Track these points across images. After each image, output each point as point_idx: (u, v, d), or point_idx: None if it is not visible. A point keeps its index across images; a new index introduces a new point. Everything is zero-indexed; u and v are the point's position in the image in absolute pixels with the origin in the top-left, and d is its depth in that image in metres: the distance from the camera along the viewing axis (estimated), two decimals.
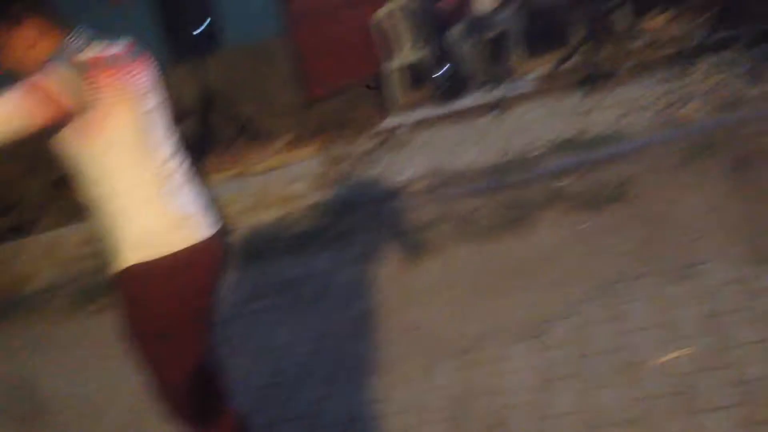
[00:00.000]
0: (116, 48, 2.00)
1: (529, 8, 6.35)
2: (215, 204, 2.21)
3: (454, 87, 6.30)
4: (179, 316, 2.05)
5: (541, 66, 6.32)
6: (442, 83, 6.39)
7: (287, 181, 5.67)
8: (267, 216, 5.14)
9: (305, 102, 7.45)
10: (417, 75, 6.85)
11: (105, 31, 2.06)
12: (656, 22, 6.48)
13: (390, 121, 6.40)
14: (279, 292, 4.06)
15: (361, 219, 4.62)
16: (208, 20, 6.80)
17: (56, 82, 1.82)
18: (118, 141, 1.95)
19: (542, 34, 6.50)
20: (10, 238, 6.17)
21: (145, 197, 1.99)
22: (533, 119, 5.41)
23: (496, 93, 6.04)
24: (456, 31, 6.30)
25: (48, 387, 3.68)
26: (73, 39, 1.96)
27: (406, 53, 6.82)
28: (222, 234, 2.17)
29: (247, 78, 7.41)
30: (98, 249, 5.23)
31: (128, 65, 1.99)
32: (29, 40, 1.95)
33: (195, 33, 6.73)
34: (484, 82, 6.29)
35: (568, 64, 6.06)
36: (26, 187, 6.99)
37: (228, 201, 5.33)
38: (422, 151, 5.52)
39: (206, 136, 7.04)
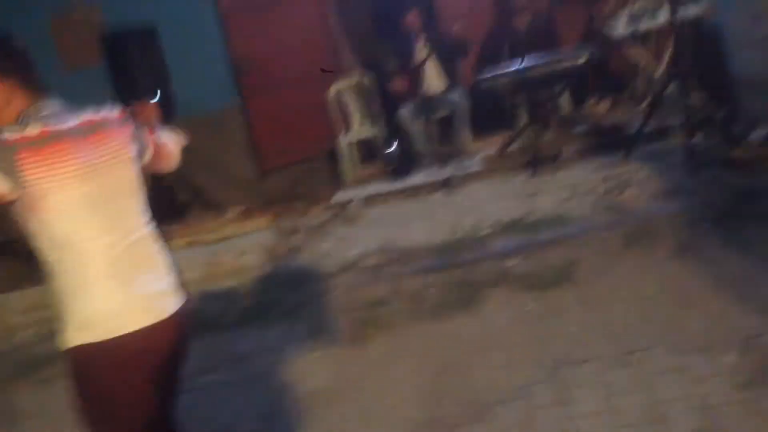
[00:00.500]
0: (71, 121, 1.94)
1: (476, 91, 6.59)
2: (180, 276, 2.14)
3: (405, 164, 6.47)
4: (128, 398, 2.00)
5: (488, 147, 6.55)
6: (393, 160, 6.56)
7: (238, 251, 5.68)
8: (217, 286, 5.12)
9: (258, 173, 7.52)
10: (369, 151, 7.02)
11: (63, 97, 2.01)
12: (598, 108, 6.82)
13: (341, 196, 6.50)
14: (228, 366, 4.02)
15: (312, 293, 4.65)
16: (158, 92, 6.84)
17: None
18: (63, 218, 1.88)
19: (489, 117, 6.75)
20: None
21: (96, 274, 1.92)
22: (481, 199, 5.56)
23: (445, 171, 6.20)
24: (406, 110, 6.49)
25: None
26: (32, 110, 1.91)
27: (358, 129, 7.00)
28: (185, 308, 2.10)
29: (201, 147, 7.34)
30: (43, 316, 5.15)
31: (75, 140, 1.91)
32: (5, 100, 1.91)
33: (154, 97, 6.74)
34: (433, 160, 6.46)
35: (514, 147, 6.29)
36: None
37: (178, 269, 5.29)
38: (373, 226, 5.61)
39: (157, 204, 7.01)
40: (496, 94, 6.53)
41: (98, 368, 1.95)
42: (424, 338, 3.76)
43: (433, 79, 6.65)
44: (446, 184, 6.03)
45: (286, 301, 4.64)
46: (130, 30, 6.71)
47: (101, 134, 1.99)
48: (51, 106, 1.96)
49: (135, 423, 2.05)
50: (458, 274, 4.34)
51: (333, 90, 7.00)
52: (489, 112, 6.73)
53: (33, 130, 1.86)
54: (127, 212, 2.03)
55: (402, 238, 5.09)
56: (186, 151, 2.42)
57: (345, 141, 6.97)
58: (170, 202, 7.04)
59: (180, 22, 7.08)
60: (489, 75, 6.24)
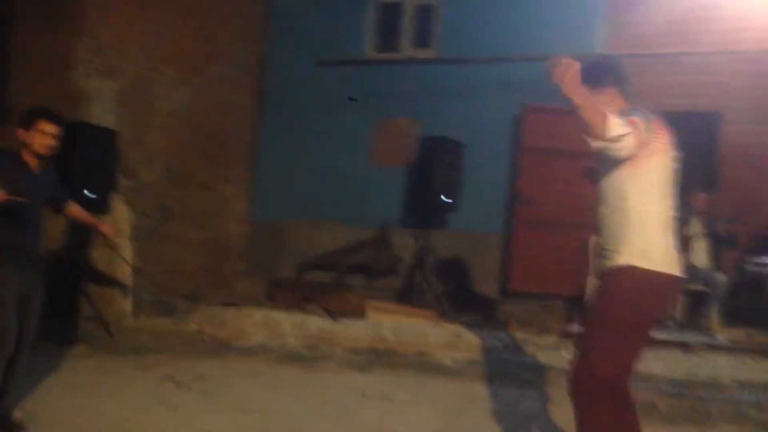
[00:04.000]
0: (656, 118, 2.86)
1: (740, 276, 6.75)
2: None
3: None
4: (644, 320, 2.78)
5: (736, 335, 6.57)
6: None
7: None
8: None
9: (500, 293, 8.15)
10: None
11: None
12: None
13: (575, 327, 6.84)
14: None
15: None
16: (450, 201, 7.86)
17: (641, 123, 2.71)
18: (652, 176, 2.80)
19: (747, 306, 6.82)
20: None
21: (657, 224, 2.80)
22: (722, 365, 5.65)
23: (686, 336, 6.35)
24: None
25: None
26: (634, 109, 2.83)
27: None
28: (682, 278, 2.86)
29: (459, 257, 8.33)
30: (305, 333, 6.05)
31: (664, 131, 2.85)
32: (607, 99, 2.89)
33: (438, 206, 7.77)
34: (675, 323, 6.65)
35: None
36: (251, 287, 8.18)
37: None
38: None
39: (410, 290, 7.89)
40: (760, 283, 6.63)
41: (643, 289, 2.75)
42: None
43: (698, 254, 6.94)
44: (686, 346, 6.18)
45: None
46: (439, 141, 7.86)
47: (668, 133, 2.95)
48: (637, 111, 2.85)
49: (636, 346, 2.80)
50: (689, 402, 4.52)
51: (594, 239, 7.52)
52: (748, 301, 6.81)
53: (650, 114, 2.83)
54: (671, 193, 2.90)
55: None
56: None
57: (589, 285, 7.38)
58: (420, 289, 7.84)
59: (481, 146, 8.15)
60: (758, 262, 6.42)
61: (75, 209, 4.26)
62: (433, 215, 8.20)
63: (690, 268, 6.82)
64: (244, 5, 9.08)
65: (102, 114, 7.11)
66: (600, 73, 2.96)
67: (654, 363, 5.59)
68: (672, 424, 4.18)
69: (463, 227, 8.36)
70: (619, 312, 2.75)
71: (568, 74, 2.64)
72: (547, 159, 8.02)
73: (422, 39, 9.12)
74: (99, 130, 6.66)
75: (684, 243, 6.94)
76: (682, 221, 6.99)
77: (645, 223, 2.78)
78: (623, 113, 2.74)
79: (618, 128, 2.64)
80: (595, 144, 2.67)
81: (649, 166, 2.79)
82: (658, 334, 6.44)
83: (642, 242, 2.76)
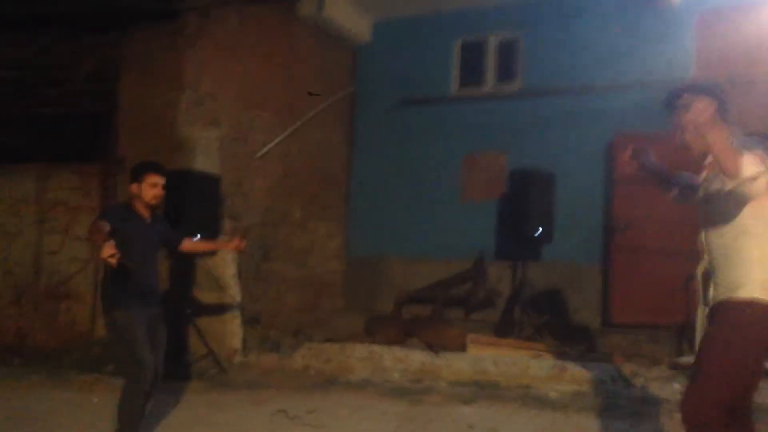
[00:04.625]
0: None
1: None
2: None
3: None
4: (763, 352, 2.77)
5: None
6: None
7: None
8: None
9: (602, 324, 8.02)
10: None
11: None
12: None
13: (686, 359, 6.66)
14: None
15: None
16: (540, 230, 7.84)
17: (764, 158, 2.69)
18: None
19: None
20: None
21: None
22: None
23: None
24: None
25: None
26: (746, 139, 2.80)
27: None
28: None
29: (557, 288, 8.26)
30: (408, 368, 6.12)
31: None
32: (706, 115, 2.71)
33: (531, 237, 7.76)
34: None
35: None
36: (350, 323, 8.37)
37: None
38: None
39: (508, 322, 7.87)
40: None
41: (766, 322, 2.73)
42: None
43: None
44: None
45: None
46: (529, 172, 7.88)
47: None
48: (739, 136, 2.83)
49: (753, 379, 2.79)
50: None
51: (702, 267, 7.32)
52: None
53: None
54: None
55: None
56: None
57: (699, 316, 7.17)
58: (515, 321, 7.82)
59: (573, 176, 8.12)
60: None
61: (192, 244, 4.59)
62: (527, 247, 8.19)
63: None
64: (333, 49, 9.41)
65: (205, 161, 7.48)
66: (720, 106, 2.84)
67: None
68: None
69: (560, 258, 8.30)
70: (740, 343, 2.73)
71: (708, 112, 2.64)
72: (644, 185, 7.89)
73: (506, 73, 9.21)
74: (203, 177, 7.01)
75: None
76: None
77: (766, 257, 2.77)
78: (747, 146, 2.74)
79: (753, 167, 2.64)
80: (730, 184, 2.68)
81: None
82: None
83: (766, 276, 2.75)
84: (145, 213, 4.22)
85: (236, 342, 6.85)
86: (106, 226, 3.79)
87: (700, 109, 2.64)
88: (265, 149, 8.29)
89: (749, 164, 2.64)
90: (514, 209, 8.06)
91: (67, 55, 7.93)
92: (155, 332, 4.15)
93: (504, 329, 7.81)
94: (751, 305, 2.73)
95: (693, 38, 8.13)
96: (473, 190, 9.02)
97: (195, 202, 6.68)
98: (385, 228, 9.25)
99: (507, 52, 9.23)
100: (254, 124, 8.26)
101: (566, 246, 8.18)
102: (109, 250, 3.53)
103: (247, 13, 8.00)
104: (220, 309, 6.84)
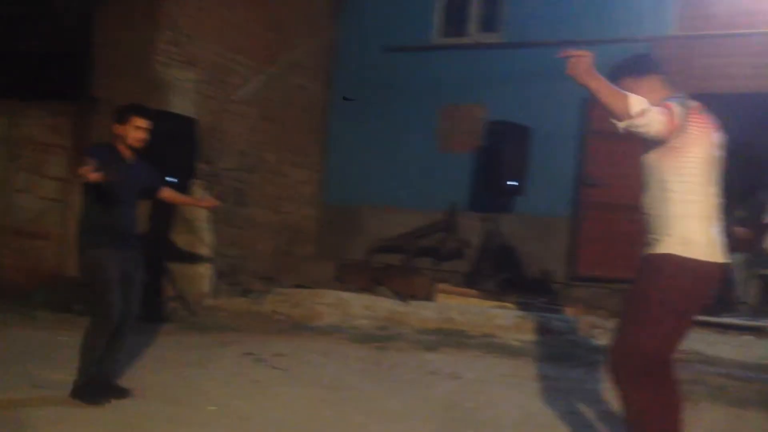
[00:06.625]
0: (695, 104, 2.90)
1: None
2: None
3: (722, 303, 6.65)
4: (684, 304, 2.86)
5: None
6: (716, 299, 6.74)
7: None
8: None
9: (570, 277, 8.18)
10: None
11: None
12: None
13: None
14: None
15: None
16: (516, 184, 7.93)
17: (675, 107, 2.78)
18: (693, 165, 2.84)
19: None
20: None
21: (698, 213, 2.85)
22: None
23: (760, 321, 6.29)
24: (739, 258, 6.69)
25: None
26: (674, 96, 2.90)
27: None
28: (723, 265, 2.93)
29: (526, 240, 8.38)
30: (375, 315, 6.24)
31: (705, 117, 2.89)
32: (651, 88, 2.93)
33: (504, 190, 7.85)
34: (748, 309, 6.59)
35: None
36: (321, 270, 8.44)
37: None
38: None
39: (478, 272, 8.02)
40: None
41: (686, 276, 2.81)
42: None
43: None
44: (759, 331, 6.13)
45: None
46: (506, 125, 7.91)
47: (709, 121, 2.95)
48: (675, 98, 2.90)
49: (679, 329, 2.89)
50: (759, 386, 4.53)
51: None
52: None
53: (689, 103, 2.87)
54: (715, 181, 2.92)
55: (708, 350, 5.36)
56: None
57: None
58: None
59: (549, 130, 8.17)
60: None
61: (170, 193, 4.60)
62: (500, 199, 8.28)
63: (766, 254, 6.75)
64: None
65: (180, 102, 7.43)
66: (639, 63, 3.05)
67: (725, 347, 5.61)
68: (740, 407, 4.19)
69: (531, 211, 8.40)
70: (658, 296, 2.81)
71: (582, 63, 2.70)
72: (617, 142, 7.91)
73: (489, 23, 9.15)
74: (179, 119, 6.96)
75: (763, 229, 6.85)
76: (759, 207, 6.91)
77: (686, 213, 2.82)
78: (662, 101, 2.79)
79: (638, 104, 2.69)
80: (622, 125, 2.72)
81: (690, 155, 2.82)
82: (732, 320, 6.43)
83: (683, 232, 2.81)
84: (128, 155, 4.21)
85: (206, 285, 6.92)
86: (93, 163, 3.78)
87: (573, 64, 2.69)
88: (242, 92, 8.24)
89: (635, 102, 2.70)
90: (489, 161, 8.12)
91: None
92: (132, 274, 4.19)
93: (473, 280, 7.95)
94: (669, 259, 2.81)
95: None
96: (450, 142, 9.04)
97: (169, 144, 6.63)
98: (360, 176, 9.27)
99: (490, 3, 9.16)
100: (232, 67, 8.18)
101: (538, 199, 8.27)
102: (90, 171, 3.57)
103: None
104: (191, 252, 6.89)
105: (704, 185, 2.87)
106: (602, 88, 2.71)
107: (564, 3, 8.51)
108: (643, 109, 2.70)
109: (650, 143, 2.85)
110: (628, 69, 3.00)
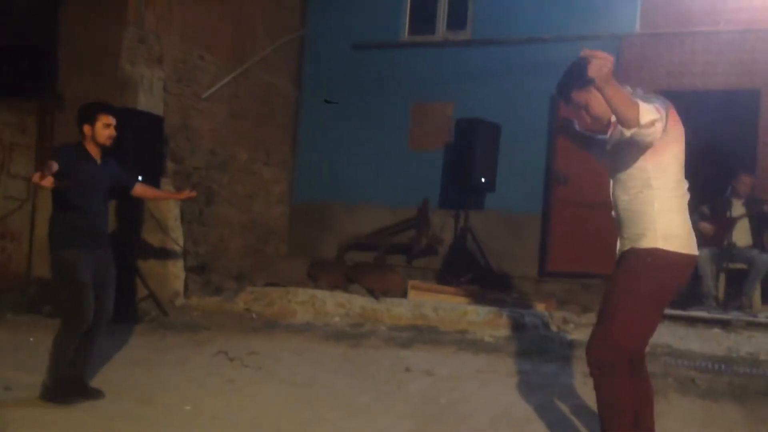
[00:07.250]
0: (669, 102, 2.91)
1: None
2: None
3: (690, 297, 6.76)
4: (664, 297, 2.96)
5: None
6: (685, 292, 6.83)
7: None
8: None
9: (539, 272, 8.27)
10: None
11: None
12: None
13: None
14: None
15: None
16: (487, 181, 7.99)
17: (661, 110, 2.78)
18: (674, 163, 2.91)
19: None
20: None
21: (678, 208, 2.93)
22: (764, 342, 5.72)
23: (727, 315, 6.41)
24: (706, 253, 6.77)
25: None
26: (646, 95, 2.91)
27: None
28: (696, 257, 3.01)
29: (497, 237, 8.44)
30: (349, 312, 6.23)
31: (677, 116, 2.92)
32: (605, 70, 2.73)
33: (475, 187, 7.90)
34: (716, 303, 6.71)
35: None
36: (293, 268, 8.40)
37: None
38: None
39: (450, 268, 8.06)
40: None
41: (668, 269, 2.90)
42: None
43: (740, 234, 6.95)
44: (726, 324, 6.25)
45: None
46: (475, 122, 7.96)
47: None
48: (656, 98, 2.91)
49: (654, 320, 2.98)
50: (728, 378, 4.61)
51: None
52: None
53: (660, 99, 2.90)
54: (683, 174, 2.99)
55: (677, 343, 5.45)
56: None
57: None
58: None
59: (518, 127, 8.24)
60: None
61: (144, 189, 4.56)
62: (471, 196, 8.33)
63: (732, 248, 6.87)
64: None
65: (148, 100, 7.33)
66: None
67: (694, 340, 5.71)
68: (709, 399, 4.27)
69: (502, 207, 8.47)
70: (644, 290, 2.88)
71: (606, 67, 2.67)
72: None
73: (457, 22, 9.19)
74: (145, 117, 6.87)
75: (729, 224, 6.97)
76: (725, 203, 7.04)
77: (669, 208, 2.90)
78: (645, 99, 2.82)
79: (648, 114, 2.73)
80: (629, 132, 2.75)
81: (671, 154, 2.90)
82: (700, 313, 6.54)
83: (666, 227, 2.89)
84: (97, 154, 4.15)
85: (178, 284, 6.85)
86: (54, 166, 3.72)
87: (598, 66, 2.68)
88: (211, 90, 8.16)
89: (646, 112, 2.73)
90: (459, 158, 8.16)
91: None
92: (104, 274, 4.13)
93: (445, 276, 7.99)
94: (653, 254, 2.87)
95: None
96: (420, 139, 9.07)
97: (136, 142, 6.55)
98: (331, 174, 9.26)
99: (458, 0, 9.19)
100: (200, 65, 8.10)
101: (509, 196, 8.35)
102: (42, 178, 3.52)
103: None
104: (162, 251, 6.81)
105: (681, 182, 2.95)
106: (617, 95, 2.71)
107: (529, 2, 8.59)
108: (652, 120, 2.74)
109: (642, 147, 2.87)
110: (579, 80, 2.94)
